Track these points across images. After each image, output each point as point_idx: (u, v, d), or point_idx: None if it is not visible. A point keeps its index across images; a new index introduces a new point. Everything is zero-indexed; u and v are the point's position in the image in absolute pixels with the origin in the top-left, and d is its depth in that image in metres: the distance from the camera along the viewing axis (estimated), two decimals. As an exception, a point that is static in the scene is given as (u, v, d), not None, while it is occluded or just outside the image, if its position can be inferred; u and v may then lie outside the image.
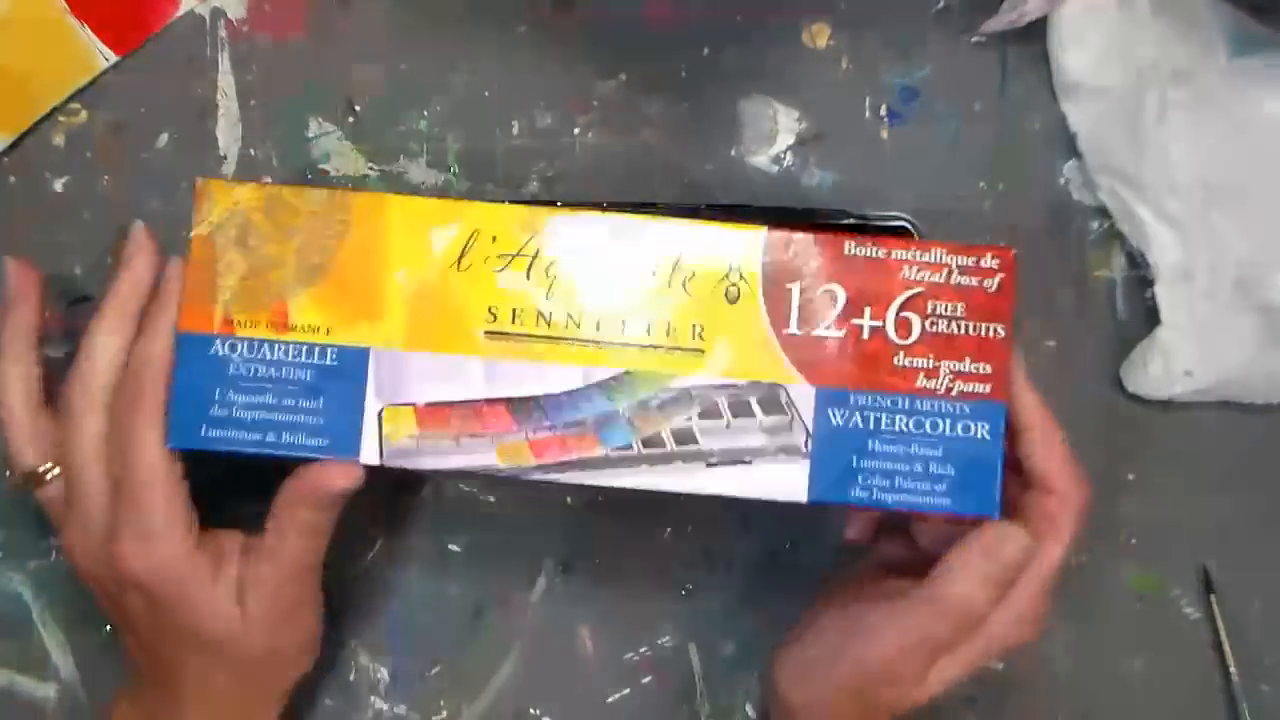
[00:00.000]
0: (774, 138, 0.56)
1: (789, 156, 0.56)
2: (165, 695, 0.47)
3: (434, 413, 0.44)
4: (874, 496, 0.44)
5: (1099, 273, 0.56)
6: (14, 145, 0.54)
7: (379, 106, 0.55)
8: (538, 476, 0.44)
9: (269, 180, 0.44)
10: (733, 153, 0.55)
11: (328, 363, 0.44)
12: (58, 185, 0.54)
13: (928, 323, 0.44)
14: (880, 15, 0.55)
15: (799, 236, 0.44)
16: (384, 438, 0.44)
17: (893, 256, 0.44)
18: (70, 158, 0.54)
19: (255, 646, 0.46)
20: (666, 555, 0.56)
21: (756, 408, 0.44)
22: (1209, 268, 0.53)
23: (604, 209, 0.45)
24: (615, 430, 0.44)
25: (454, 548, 0.55)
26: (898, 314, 0.44)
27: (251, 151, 0.55)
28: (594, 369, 0.44)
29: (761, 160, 0.56)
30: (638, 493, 0.44)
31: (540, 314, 0.44)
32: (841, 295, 0.44)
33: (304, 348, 0.44)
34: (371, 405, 0.44)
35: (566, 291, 0.44)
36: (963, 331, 0.44)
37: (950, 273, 0.44)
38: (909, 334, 0.44)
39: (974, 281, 0.44)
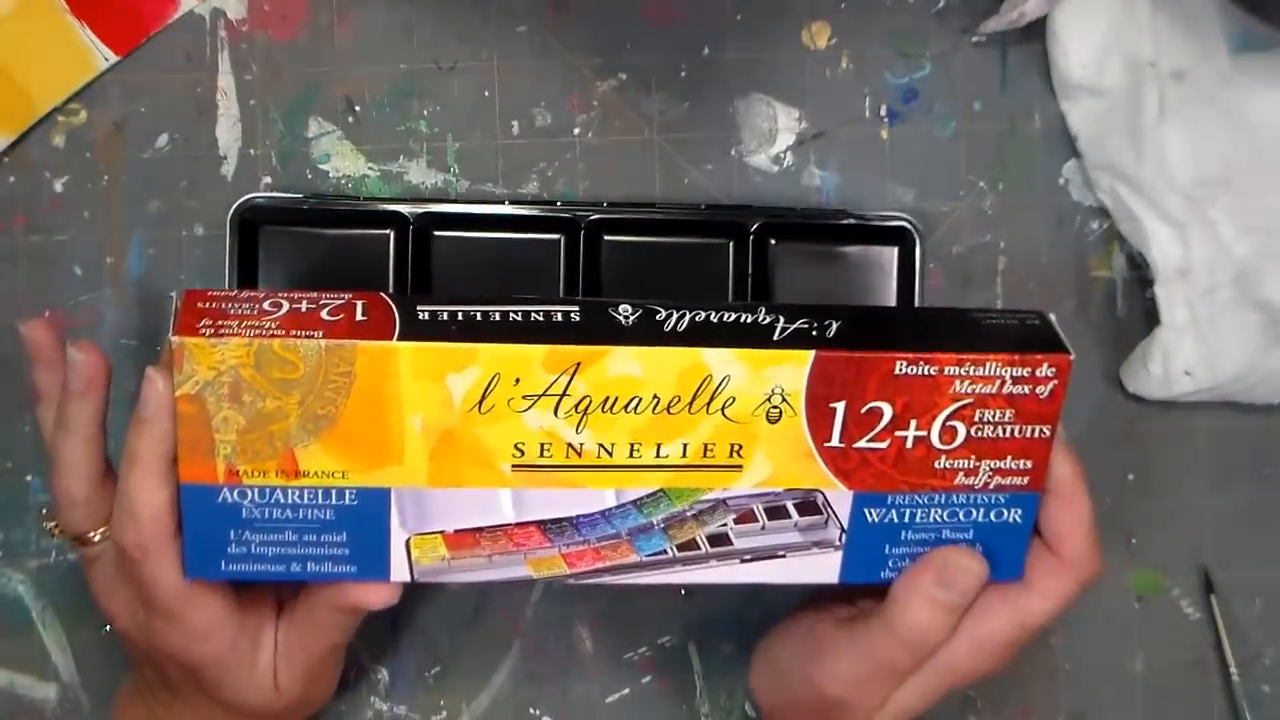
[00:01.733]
0: (774, 138, 0.56)
1: (789, 156, 0.56)
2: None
3: (463, 538, 0.43)
4: (900, 573, 0.44)
5: (1099, 273, 0.56)
6: (14, 145, 0.54)
7: (379, 106, 0.55)
8: (572, 582, 0.44)
9: (252, 330, 0.39)
10: (733, 153, 0.55)
11: (346, 503, 0.42)
12: (58, 185, 0.54)
13: (973, 429, 0.42)
14: (880, 15, 0.55)
15: (846, 358, 0.41)
16: (414, 562, 0.43)
17: (945, 373, 0.41)
18: (70, 158, 0.54)
19: (283, 710, 0.47)
20: (666, 555, 0.56)
21: (792, 510, 0.43)
22: (1209, 268, 0.53)
23: (628, 336, 0.41)
24: (650, 539, 0.43)
25: (454, 548, 0.55)
26: (944, 424, 0.42)
27: (251, 151, 0.55)
28: (627, 490, 0.42)
29: (761, 160, 0.56)
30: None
31: (570, 446, 0.41)
32: (889, 412, 0.42)
33: (319, 491, 0.41)
34: (398, 535, 0.42)
35: (598, 424, 0.41)
36: (1008, 435, 0.43)
37: (1002, 384, 0.42)
38: (953, 440, 0.43)
39: (1026, 390, 0.42)
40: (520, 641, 0.55)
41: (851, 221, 0.54)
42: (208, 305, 0.40)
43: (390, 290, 0.53)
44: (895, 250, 0.54)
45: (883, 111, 0.56)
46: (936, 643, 0.44)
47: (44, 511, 0.53)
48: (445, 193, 0.55)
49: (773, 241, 0.54)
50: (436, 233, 0.54)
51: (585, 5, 0.55)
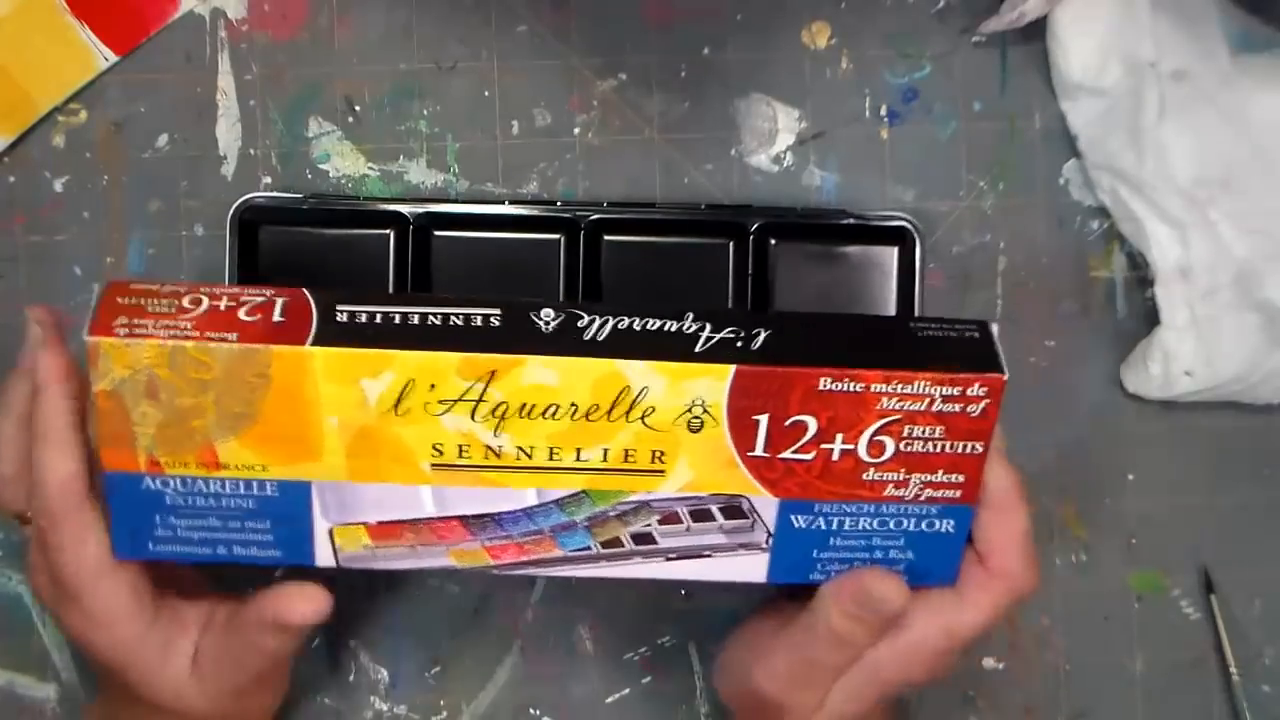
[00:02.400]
0: (774, 138, 0.56)
1: (789, 156, 0.56)
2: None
3: (387, 529, 0.43)
4: (831, 578, 0.44)
5: (1099, 273, 0.56)
6: (14, 145, 0.54)
7: (379, 106, 0.55)
8: (495, 573, 0.44)
9: (167, 330, 0.39)
10: (733, 153, 0.55)
11: (268, 494, 0.42)
12: (58, 185, 0.54)
13: (902, 444, 0.42)
14: (880, 15, 0.55)
15: (768, 373, 0.40)
16: (338, 549, 0.43)
17: (871, 390, 0.41)
18: (70, 158, 0.54)
19: (209, 714, 0.46)
20: (666, 555, 0.56)
21: (718, 514, 0.43)
22: (1209, 268, 0.53)
23: (545, 345, 0.40)
24: (573, 536, 0.43)
25: (454, 548, 0.55)
26: (871, 438, 0.42)
27: (251, 151, 0.55)
28: (548, 490, 0.42)
29: (761, 160, 0.56)
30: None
31: (489, 448, 0.41)
32: (813, 425, 0.41)
33: (240, 483, 0.42)
34: (320, 525, 0.43)
35: (515, 429, 0.41)
36: (939, 450, 0.42)
37: (931, 401, 0.41)
38: (881, 454, 0.42)
39: (957, 408, 0.41)
40: (520, 641, 0.55)
41: (851, 221, 0.54)
42: (127, 301, 0.40)
43: (389, 286, 0.53)
44: (895, 250, 0.54)
45: (883, 111, 0.56)
46: (860, 646, 0.44)
47: None
48: (445, 193, 0.55)
49: (773, 241, 0.54)
50: (436, 233, 0.54)
51: (585, 5, 0.55)
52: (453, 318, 0.41)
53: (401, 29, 0.55)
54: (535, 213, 0.54)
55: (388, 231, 0.53)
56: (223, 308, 0.41)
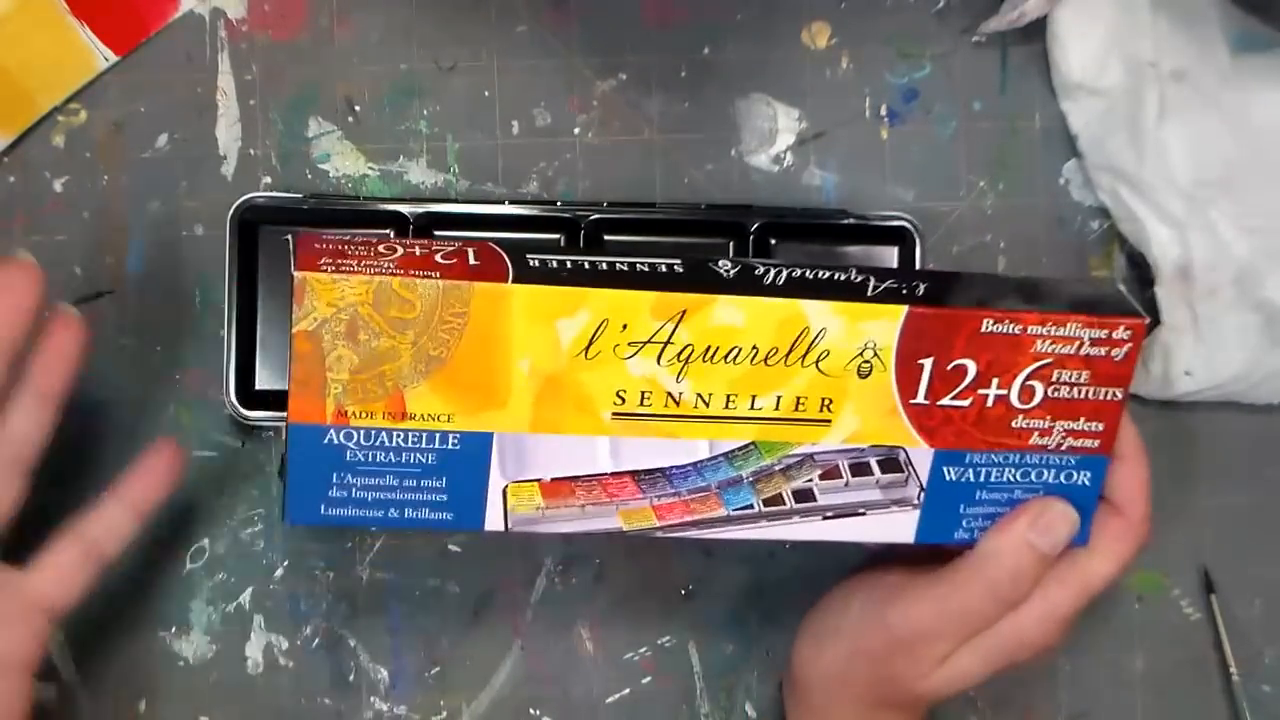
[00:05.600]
0: (774, 138, 0.56)
1: (789, 156, 0.56)
2: None
3: (559, 486, 0.44)
4: (974, 537, 0.46)
5: (1099, 273, 0.56)
6: (14, 145, 0.54)
7: (379, 106, 0.55)
8: (660, 535, 0.44)
9: (371, 268, 0.40)
10: (733, 153, 0.55)
11: (449, 447, 0.42)
12: (58, 185, 0.54)
13: (1050, 389, 0.44)
14: (880, 15, 0.55)
15: (939, 314, 0.43)
16: (509, 510, 0.43)
17: (1028, 332, 0.43)
18: (70, 158, 0.54)
19: None
20: (666, 555, 0.55)
21: (875, 467, 0.44)
22: (1209, 268, 0.53)
23: (732, 286, 0.42)
24: (738, 493, 0.44)
25: (454, 548, 0.55)
26: (1023, 383, 0.44)
27: (251, 151, 0.55)
28: (720, 441, 0.44)
29: (761, 160, 0.56)
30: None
31: (670, 395, 0.42)
32: (973, 369, 0.43)
33: (424, 434, 0.42)
34: (496, 482, 0.43)
35: (698, 373, 0.42)
36: (1083, 396, 0.44)
37: (1081, 345, 0.43)
38: (1031, 399, 0.44)
39: (1102, 351, 0.44)
40: (520, 641, 0.55)
41: (852, 221, 0.54)
42: (324, 246, 0.41)
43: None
44: (895, 250, 0.54)
45: (883, 111, 0.56)
46: (1020, 595, 0.45)
47: None
48: (445, 193, 0.55)
49: (773, 241, 0.54)
50: (436, 232, 0.54)
51: (585, 5, 0.55)
52: (639, 265, 0.42)
53: (401, 29, 0.55)
54: (535, 213, 0.54)
55: (388, 232, 0.53)
56: (418, 253, 0.42)
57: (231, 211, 0.53)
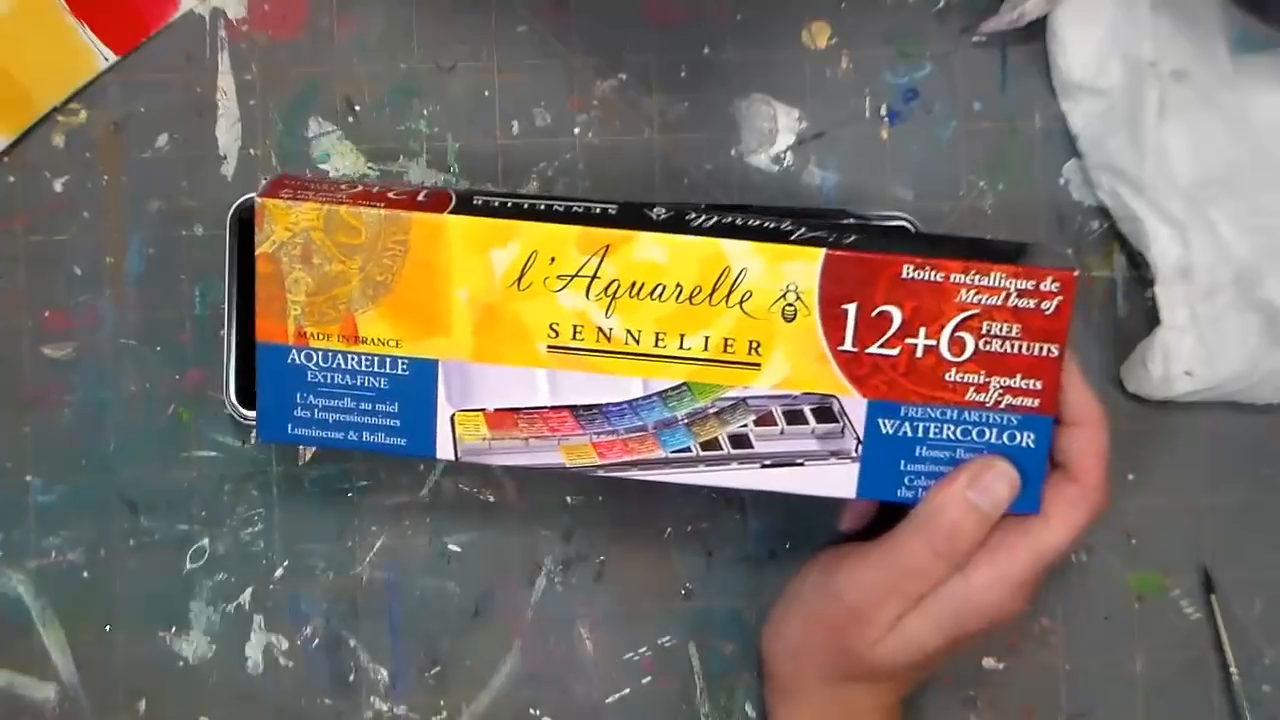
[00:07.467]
0: (774, 137, 0.56)
1: (789, 156, 0.56)
2: None
3: (503, 417, 0.46)
4: (918, 496, 0.46)
5: (1099, 273, 0.56)
6: (14, 145, 0.54)
7: (379, 106, 0.55)
8: (601, 474, 0.46)
9: (324, 199, 0.44)
10: (733, 152, 0.55)
11: (399, 372, 0.46)
12: (58, 185, 0.54)
13: (981, 342, 0.44)
14: (880, 15, 0.55)
15: (856, 258, 0.44)
16: (458, 439, 0.46)
17: (950, 280, 0.44)
18: (70, 158, 0.54)
19: None
20: (666, 555, 0.56)
21: (810, 416, 0.45)
22: (1209, 268, 0.53)
23: (656, 226, 0.44)
24: (674, 434, 0.46)
25: (454, 548, 0.55)
26: (952, 334, 0.44)
27: (251, 151, 0.55)
28: (653, 380, 0.45)
29: (761, 160, 0.56)
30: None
31: (600, 330, 0.45)
32: (898, 316, 0.44)
33: (375, 359, 0.45)
34: (444, 410, 0.46)
35: (625, 309, 0.45)
36: (1016, 351, 0.44)
37: (1008, 296, 0.44)
38: (962, 352, 0.44)
39: (1031, 304, 0.44)
40: (520, 641, 0.55)
41: (852, 221, 0.54)
42: (293, 182, 0.45)
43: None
44: (895, 250, 0.54)
45: (883, 111, 0.56)
46: (959, 552, 0.45)
47: None
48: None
49: (773, 241, 0.54)
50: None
51: (585, 5, 0.55)
52: (574, 206, 0.45)
53: (401, 29, 0.55)
54: (535, 212, 0.54)
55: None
56: (374, 190, 0.46)
57: (231, 211, 0.53)
